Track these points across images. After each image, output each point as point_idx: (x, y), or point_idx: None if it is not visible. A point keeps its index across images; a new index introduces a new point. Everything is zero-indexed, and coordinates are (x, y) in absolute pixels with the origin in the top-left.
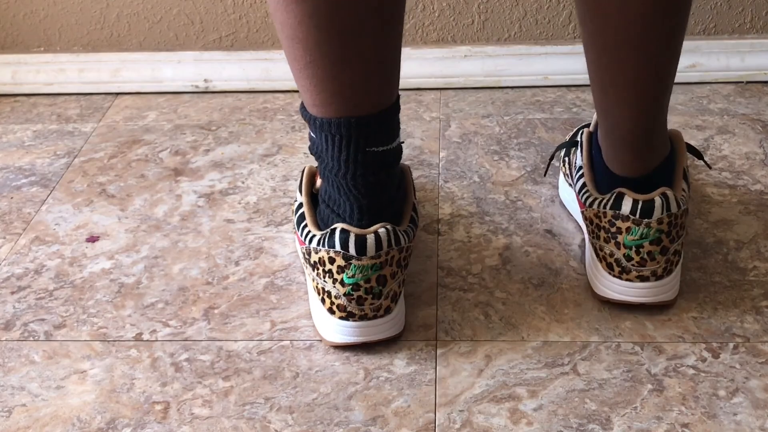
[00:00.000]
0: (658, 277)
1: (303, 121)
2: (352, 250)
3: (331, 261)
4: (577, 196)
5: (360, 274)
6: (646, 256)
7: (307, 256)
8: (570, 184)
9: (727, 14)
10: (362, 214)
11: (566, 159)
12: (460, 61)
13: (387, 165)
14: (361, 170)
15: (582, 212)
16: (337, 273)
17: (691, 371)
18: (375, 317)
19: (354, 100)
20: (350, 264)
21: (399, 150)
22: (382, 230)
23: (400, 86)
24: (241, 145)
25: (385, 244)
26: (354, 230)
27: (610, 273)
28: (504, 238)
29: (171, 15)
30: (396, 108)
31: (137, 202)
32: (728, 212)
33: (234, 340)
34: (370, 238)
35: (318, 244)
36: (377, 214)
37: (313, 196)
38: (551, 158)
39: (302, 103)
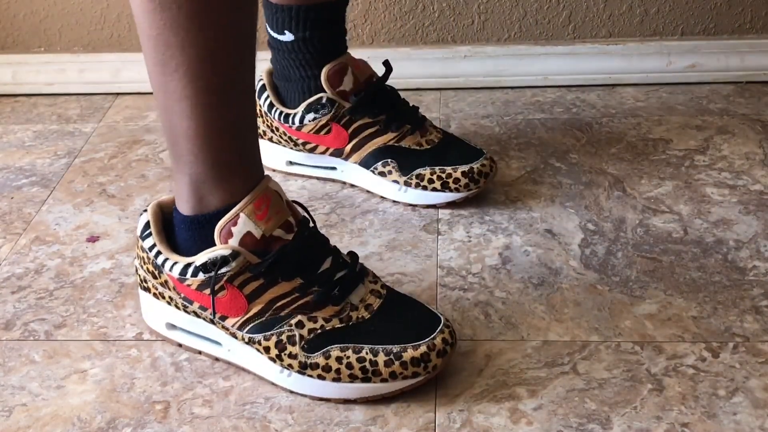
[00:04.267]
0: None
1: None
2: None
3: None
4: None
5: None
6: None
7: None
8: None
9: (727, 14)
10: None
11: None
12: (460, 62)
13: None
14: None
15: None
16: None
17: (691, 371)
18: None
19: None
20: None
21: None
22: None
23: (401, 87)
24: None
25: None
26: None
27: None
28: (504, 238)
29: None
30: None
31: (137, 202)
32: (728, 212)
33: None
34: None
35: None
36: None
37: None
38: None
39: None
